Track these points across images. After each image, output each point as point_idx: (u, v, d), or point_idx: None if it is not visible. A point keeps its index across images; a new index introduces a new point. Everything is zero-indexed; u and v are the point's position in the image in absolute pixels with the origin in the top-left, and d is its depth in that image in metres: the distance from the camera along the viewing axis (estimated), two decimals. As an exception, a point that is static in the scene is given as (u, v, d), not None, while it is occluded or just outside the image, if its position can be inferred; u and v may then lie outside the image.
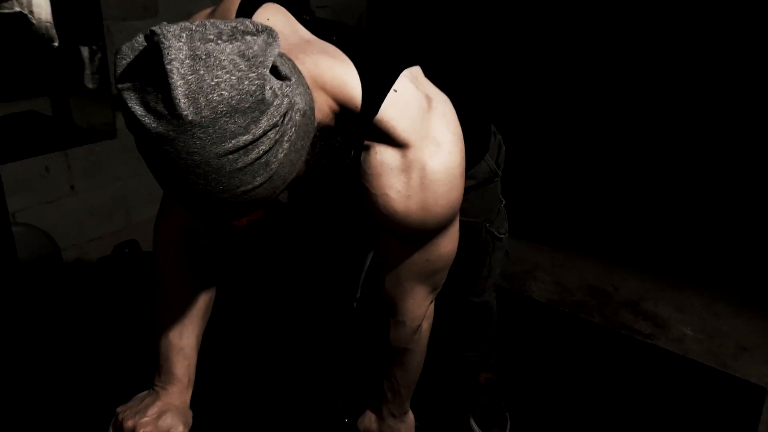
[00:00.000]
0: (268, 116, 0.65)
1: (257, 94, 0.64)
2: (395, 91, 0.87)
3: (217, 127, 0.62)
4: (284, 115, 0.68)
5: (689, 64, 2.74)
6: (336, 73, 0.84)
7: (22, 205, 2.01)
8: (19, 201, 2.00)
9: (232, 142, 0.64)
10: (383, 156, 0.88)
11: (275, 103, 0.66)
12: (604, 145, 3.04)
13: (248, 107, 0.63)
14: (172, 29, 0.62)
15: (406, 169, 0.87)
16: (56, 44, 1.89)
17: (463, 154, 0.93)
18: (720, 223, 2.90)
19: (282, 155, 0.69)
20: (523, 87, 2.81)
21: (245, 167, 0.66)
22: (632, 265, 2.83)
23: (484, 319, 1.65)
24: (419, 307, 1.09)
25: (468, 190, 1.34)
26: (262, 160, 0.67)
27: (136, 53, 0.65)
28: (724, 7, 2.57)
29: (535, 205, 2.97)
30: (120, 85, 0.64)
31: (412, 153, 0.87)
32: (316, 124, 0.79)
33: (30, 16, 1.78)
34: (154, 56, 0.61)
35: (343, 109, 0.86)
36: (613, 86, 2.89)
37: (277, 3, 0.92)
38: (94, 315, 1.93)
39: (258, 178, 0.68)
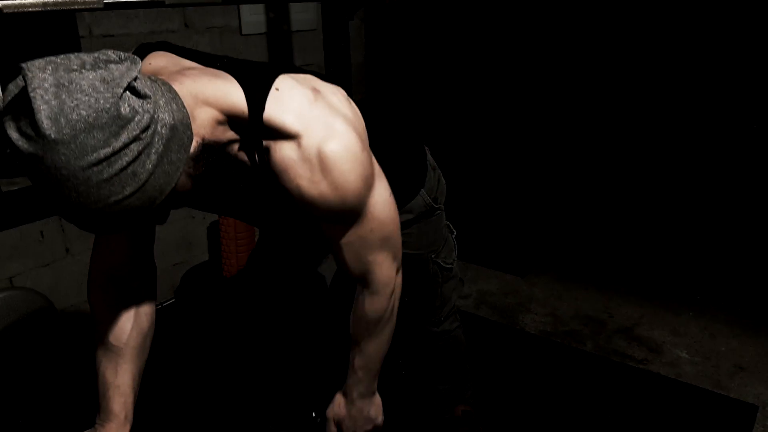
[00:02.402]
0: (128, 130, 0.74)
1: (112, 110, 0.72)
2: (277, 89, 0.93)
3: (78, 142, 0.71)
4: (146, 128, 0.75)
5: (683, 71, 2.77)
6: (217, 86, 0.92)
7: (19, 269, 2.13)
8: (16, 266, 2.12)
9: (94, 155, 0.72)
10: (282, 151, 0.94)
11: (135, 119, 0.74)
12: (595, 174, 3.06)
13: (105, 123, 0.72)
14: (36, 63, 0.72)
15: (306, 158, 0.93)
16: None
17: (356, 132, 0.98)
18: (718, 242, 2.86)
19: (151, 166, 0.77)
20: (509, 110, 2.87)
21: (111, 178, 0.74)
22: (629, 291, 2.80)
23: (450, 348, 1.67)
24: (388, 273, 1.13)
25: (409, 224, 1.40)
26: (128, 171, 0.75)
27: (19, 89, 0.74)
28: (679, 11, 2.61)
29: (530, 236, 2.99)
30: (3, 117, 0.73)
31: (305, 141, 0.93)
32: (199, 140, 0.87)
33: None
34: (24, 88, 0.71)
35: (231, 119, 0.92)
36: (597, 104, 2.93)
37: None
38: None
39: (128, 188, 0.76)
